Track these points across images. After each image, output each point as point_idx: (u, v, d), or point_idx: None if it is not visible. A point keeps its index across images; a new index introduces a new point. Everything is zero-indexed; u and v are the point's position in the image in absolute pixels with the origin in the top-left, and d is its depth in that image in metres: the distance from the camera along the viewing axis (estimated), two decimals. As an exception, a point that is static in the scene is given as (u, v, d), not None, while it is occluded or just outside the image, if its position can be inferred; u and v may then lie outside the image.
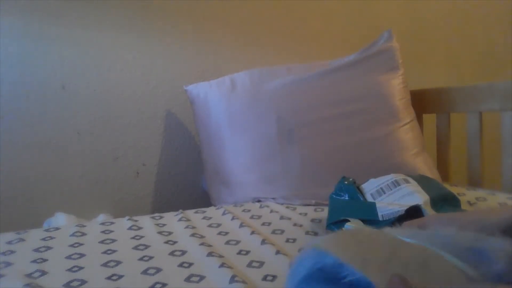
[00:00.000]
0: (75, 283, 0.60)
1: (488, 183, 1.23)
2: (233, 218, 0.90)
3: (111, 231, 0.83)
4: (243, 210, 0.99)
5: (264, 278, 0.60)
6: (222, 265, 0.62)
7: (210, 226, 0.87)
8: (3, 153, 1.17)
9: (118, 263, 0.67)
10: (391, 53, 1.24)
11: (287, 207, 1.02)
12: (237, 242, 0.76)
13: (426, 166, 1.12)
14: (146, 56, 1.33)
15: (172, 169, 1.39)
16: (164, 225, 0.88)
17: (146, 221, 0.90)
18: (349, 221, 0.72)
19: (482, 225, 0.40)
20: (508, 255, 0.33)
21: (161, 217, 0.94)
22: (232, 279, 0.57)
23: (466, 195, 1.04)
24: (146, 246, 0.74)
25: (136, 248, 0.74)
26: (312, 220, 0.89)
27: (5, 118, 1.17)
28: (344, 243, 0.36)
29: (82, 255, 0.71)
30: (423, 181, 0.86)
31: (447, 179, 1.28)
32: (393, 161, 1.11)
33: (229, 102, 1.22)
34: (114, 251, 0.72)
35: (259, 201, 1.11)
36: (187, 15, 1.38)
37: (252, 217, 0.93)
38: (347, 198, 0.85)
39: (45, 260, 0.69)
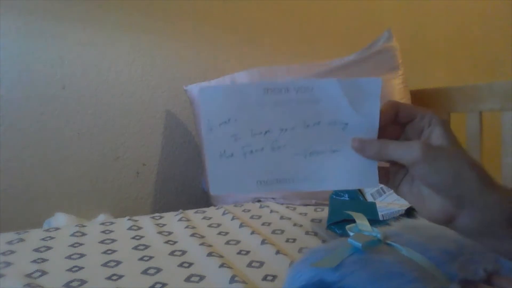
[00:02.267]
0: (75, 283, 0.60)
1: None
2: (233, 218, 0.90)
3: (111, 231, 0.83)
4: (243, 210, 0.99)
5: (264, 278, 0.60)
6: (222, 265, 0.62)
7: (210, 226, 0.87)
8: (3, 153, 1.17)
9: (118, 263, 0.67)
10: (391, 53, 1.24)
11: (287, 207, 1.02)
12: (237, 242, 0.76)
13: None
14: (146, 56, 1.33)
15: (172, 169, 1.39)
16: (164, 225, 0.88)
17: (146, 221, 0.90)
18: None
19: None
20: None
21: (161, 217, 0.94)
22: (232, 279, 0.57)
23: (466, 195, 1.03)
24: (146, 246, 0.74)
25: (136, 248, 0.74)
26: (312, 220, 0.89)
27: (5, 118, 1.17)
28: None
29: (82, 255, 0.71)
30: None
31: (447, 179, 1.28)
32: (393, 161, 1.10)
33: (229, 102, 1.22)
34: (114, 251, 0.72)
35: (259, 201, 1.11)
36: (187, 15, 1.38)
37: (252, 217, 0.93)
38: (347, 198, 0.85)
39: (45, 260, 0.69)
